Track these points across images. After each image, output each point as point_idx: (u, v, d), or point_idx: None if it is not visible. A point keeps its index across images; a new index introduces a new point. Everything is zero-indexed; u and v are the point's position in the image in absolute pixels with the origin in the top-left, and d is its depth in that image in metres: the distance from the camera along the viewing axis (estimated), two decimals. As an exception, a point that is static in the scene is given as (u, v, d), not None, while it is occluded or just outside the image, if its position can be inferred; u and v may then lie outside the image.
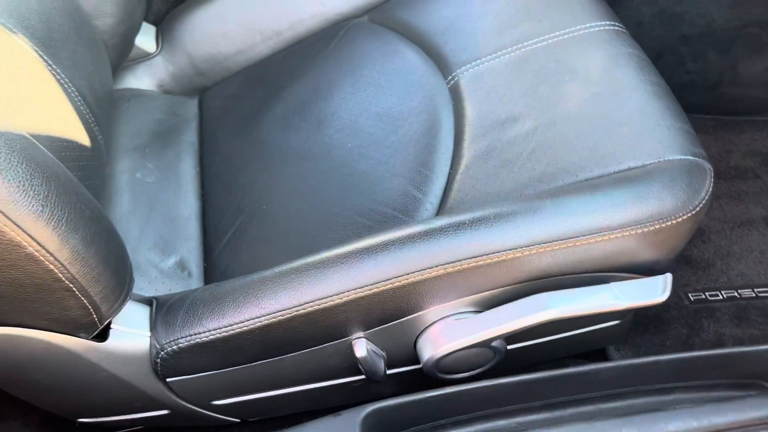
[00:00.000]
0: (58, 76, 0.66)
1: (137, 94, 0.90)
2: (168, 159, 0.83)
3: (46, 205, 0.44)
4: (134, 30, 0.87)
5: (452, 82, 0.77)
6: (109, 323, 0.57)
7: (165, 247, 0.74)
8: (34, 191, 0.43)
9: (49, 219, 0.44)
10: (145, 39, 0.91)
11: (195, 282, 0.72)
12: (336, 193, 0.72)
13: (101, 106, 0.75)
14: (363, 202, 0.70)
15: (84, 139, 0.68)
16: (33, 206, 0.43)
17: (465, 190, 0.67)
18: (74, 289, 0.48)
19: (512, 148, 0.68)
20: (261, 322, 0.57)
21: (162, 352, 0.59)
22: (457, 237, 0.57)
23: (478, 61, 0.77)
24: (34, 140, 0.49)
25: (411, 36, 0.85)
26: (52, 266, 0.46)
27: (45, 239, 0.44)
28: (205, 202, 0.80)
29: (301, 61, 0.88)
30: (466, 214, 0.59)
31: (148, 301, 0.63)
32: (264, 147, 0.80)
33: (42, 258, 0.45)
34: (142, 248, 0.73)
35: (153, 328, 0.60)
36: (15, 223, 0.42)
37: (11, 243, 0.43)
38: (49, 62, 0.66)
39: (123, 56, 0.87)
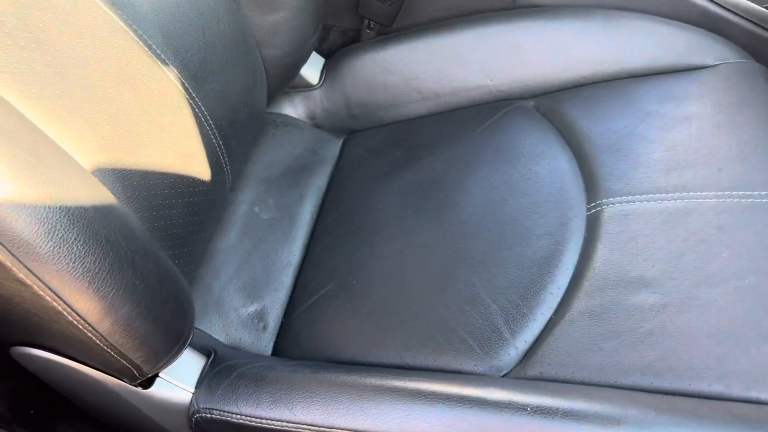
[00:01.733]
0: (196, 109, 0.68)
1: (287, 122, 0.91)
2: (290, 199, 0.83)
3: (93, 282, 0.44)
4: (301, 62, 0.88)
5: (593, 210, 0.68)
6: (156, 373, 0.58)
7: (252, 291, 0.74)
8: (84, 268, 0.44)
9: (94, 294, 0.45)
10: (311, 70, 0.91)
11: (267, 337, 0.72)
12: (425, 296, 0.67)
13: (240, 137, 0.77)
14: (448, 318, 0.65)
15: (206, 174, 0.70)
16: (79, 282, 0.44)
17: (558, 348, 0.59)
18: (112, 353, 0.49)
19: (628, 320, 0.59)
20: (288, 427, 0.55)
21: (197, 414, 0.59)
22: (510, 421, 0.50)
23: (630, 198, 0.67)
24: (118, 202, 0.50)
25: (570, 138, 0.76)
26: (90, 334, 0.47)
27: (86, 311, 0.45)
28: (307, 254, 0.79)
29: (449, 133, 0.83)
30: (531, 394, 0.52)
31: (207, 352, 0.64)
32: (379, 215, 0.77)
33: (80, 327, 0.46)
34: (231, 287, 0.74)
35: (198, 385, 0.60)
36: (57, 294, 0.43)
37: (53, 310, 0.44)
38: (193, 95, 0.67)
39: (284, 84, 0.89)
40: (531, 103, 0.83)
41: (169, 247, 0.62)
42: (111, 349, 0.49)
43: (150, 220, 0.58)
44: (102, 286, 0.45)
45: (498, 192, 0.73)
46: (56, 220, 0.42)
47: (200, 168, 0.69)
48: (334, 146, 0.90)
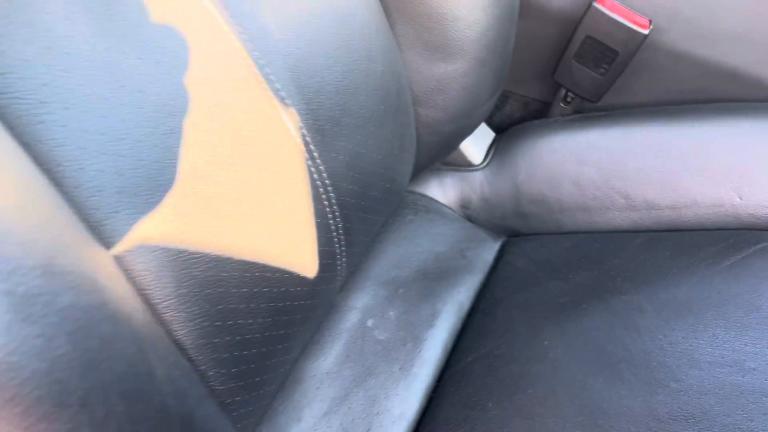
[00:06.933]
0: (315, 174, 0.47)
1: (430, 208, 0.68)
2: (419, 316, 0.59)
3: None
4: (465, 132, 0.66)
5: None
6: None
7: (343, 451, 0.50)
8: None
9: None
10: (475, 146, 0.69)
11: None
12: None
13: (368, 220, 0.55)
14: None
15: (310, 266, 0.47)
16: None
17: None
18: None
19: None
20: None
21: None
22: None
23: None
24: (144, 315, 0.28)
25: None
26: None
27: None
28: (429, 406, 0.54)
29: (667, 264, 0.57)
30: None
31: None
32: (546, 372, 0.51)
33: None
34: (314, 438, 0.50)
35: None
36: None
37: None
38: (314, 152, 0.46)
39: (437, 158, 0.66)
40: (802, 241, 0.55)
41: (228, 377, 0.40)
42: None
43: (204, 336, 0.36)
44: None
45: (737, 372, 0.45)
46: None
47: (304, 257, 0.47)
48: (489, 250, 0.66)
